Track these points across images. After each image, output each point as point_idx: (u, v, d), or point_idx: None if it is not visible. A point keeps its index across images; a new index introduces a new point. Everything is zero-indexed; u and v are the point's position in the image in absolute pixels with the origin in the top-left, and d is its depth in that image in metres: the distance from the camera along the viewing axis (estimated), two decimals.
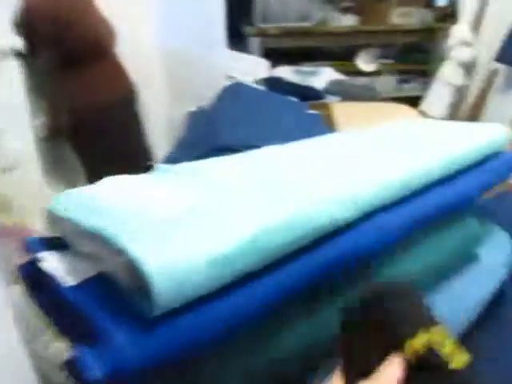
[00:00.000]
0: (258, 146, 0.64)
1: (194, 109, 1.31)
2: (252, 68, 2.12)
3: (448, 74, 1.99)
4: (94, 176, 0.47)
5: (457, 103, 2.11)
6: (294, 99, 1.27)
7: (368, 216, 0.40)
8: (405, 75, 3.06)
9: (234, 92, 1.16)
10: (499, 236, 0.60)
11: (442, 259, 0.48)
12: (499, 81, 1.74)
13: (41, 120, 1.21)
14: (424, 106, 2.20)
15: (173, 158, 0.95)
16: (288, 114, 1.08)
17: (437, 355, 0.27)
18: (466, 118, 2.00)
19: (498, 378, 0.45)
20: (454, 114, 2.12)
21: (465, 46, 1.90)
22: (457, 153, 0.51)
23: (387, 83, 2.97)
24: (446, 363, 0.26)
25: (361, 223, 0.39)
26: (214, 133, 0.93)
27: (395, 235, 0.42)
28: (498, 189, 0.81)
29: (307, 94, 1.90)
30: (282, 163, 0.50)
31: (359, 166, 0.45)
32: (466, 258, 0.52)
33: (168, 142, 1.50)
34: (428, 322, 0.29)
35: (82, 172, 1.37)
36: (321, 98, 1.88)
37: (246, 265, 0.31)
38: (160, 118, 1.83)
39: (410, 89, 2.99)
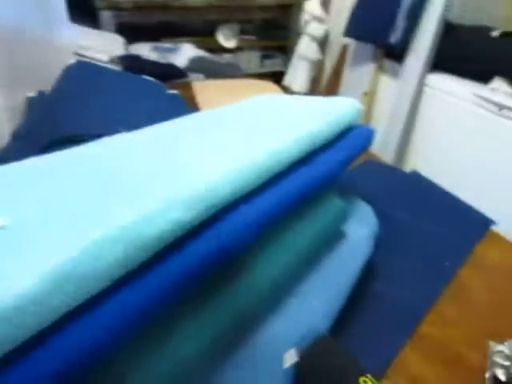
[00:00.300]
0: (106, 134, 0.55)
1: (32, 94, 1.12)
2: (105, 45, 1.94)
3: (304, 50, 2.06)
4: None
5: (316, 78, 2.20)
6: (149, 78, 1.16)
7: (224, 211, 0.35)
8: (267, 51, 3.13)
9: (78, 73, 1.01)
10: (362, 209, 0.60)
11: (312, 243, 0.45)
12: (350, 55, 1.84)
13: None
14: (286, 81, 2.25)
15: (6, 154, 0.80)
16: (142, 95, 0.97)
17: None
18: (325, 93, 2.10)
19: (366, 351, 0.44)
20: (314, 88, 2.21)
21: (317, 21, 1.97)
22: (313, 130, 0.49)
23: (250, 59, 2.99)
24: None
25: (215, 220, 0.34)
26: (54, 121, 0.79)
27: (256, 228, 0.37)
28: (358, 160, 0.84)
29: (169, 73, 1.81)
30: (122, 157, 0.41)
31: (209, 154, 0.40)
32: (334, 237, 0.51)
33: (8, 133, 1.32)
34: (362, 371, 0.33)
35: None
36: (183, 76, 1.81)
37: (64, 297, 0.23)
38: None
39: (272, 64, 3.05)
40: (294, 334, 0.39)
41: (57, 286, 0.22)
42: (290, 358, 0.38)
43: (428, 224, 0.65)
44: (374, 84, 1.72)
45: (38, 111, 0.95)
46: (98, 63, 1.54)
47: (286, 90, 2.30)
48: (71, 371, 0.23)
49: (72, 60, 1.27)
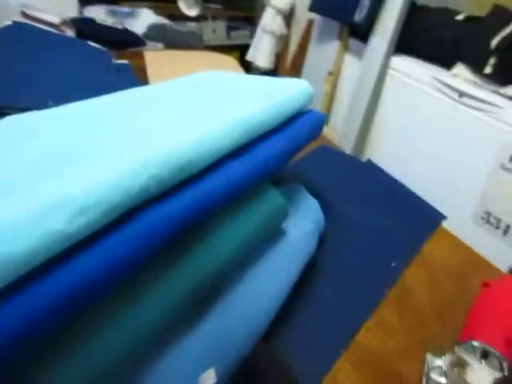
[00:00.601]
0: (36, 107, 0.48)
1: None
2: (57, 6, 1.78)
3: (268, 23, 1.97)
4: None
5: (281, 53, 2.13)
6: (96, 46, 1.07)
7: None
8: (233, 22, 3.00)
9: (13, 35, 0.91)
10: (308, 203, 0.56)
11: (246, 241, 0.41)
12: (315, 32, 1.77)
13: None
14: (249, 55, 2.17)
15: None
16: (84, 64, 0.88)
17: None
18: (290, 69, 2.03)
19: (302, 360, 0.41)
20: (278, 64, 2.14)
21: None
22: (256, 114, 0.44)
23: (215, 30, 2.87)
24: None
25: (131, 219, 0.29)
26: None
27: (181, 222, 0.32)
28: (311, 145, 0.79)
29: (125, 40, 1.69)
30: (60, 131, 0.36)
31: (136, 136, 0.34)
32: (273, 235, 0.47)
33: None
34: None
35: None
36: (141, 44, 1.71)
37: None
38: None
39: (239, 37, 2.93)
40: (217, 341, 0.35)
41: None
42: (209, 378, 0.34)
43: (378, 219, 0.62)
44: (339, 63, 1.67)
45: None
46: (42, 26, 1.41)
47: (249, 65, 2.21)
48: None
49: (15, 20, 1.15)
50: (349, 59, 1.66)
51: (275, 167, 0.45)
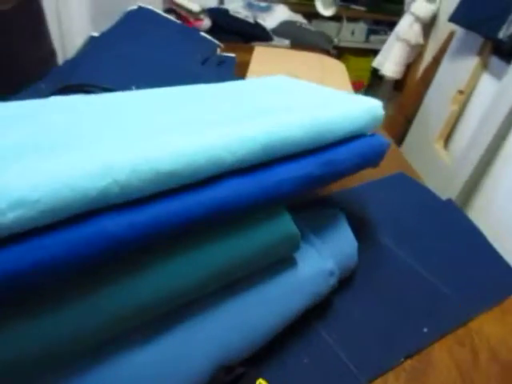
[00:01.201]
0: (117, 89, 0.52)
1: (96, 34, 1.12)
2: None
3: (404, 30, 1.83)
4: None
5: (412, 64, 1.97)
6: (207, 37, 1.10)
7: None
8: (375, 26, 2.87)
9: (133, 19, 0.98)
10: (341, 238, 0.50)
11: (239, 263, 0.37)
12: (453, 45, 1.60)
13: None
14: (376, 62, 2.05)
15: (37, 89, 0.81)
16: (185, 53, 0.92)
17: None
18: (418, 82, 1.87)
19: None
20: (406, 75, 1.99)
21: (427, 0, 1.73)
22: (280, 131, 0.40)
23: (354, 32, 2.78)
24: None
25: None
26: (79, 65, 0.78)
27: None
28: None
29: (253, 33, 1.74)
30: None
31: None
32: (278, 264, 0.42)
33: None
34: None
35: None
36: (268, 38, 1.74)
37: None
38: (77, 37, 1.63)
39: (377, 41, 2.80)
40: (166, 365, 0.33)
41: None
42: None
43: (430, 270, 0.52)
44: (473, 82, 1.48)
45: (82, 53, 0.94)
46: (162, 14, 1.51)
47: (375, 73, 2.09)
48: None
49: (141, 5, 1.25)
50: (485, 79, 1.47)
51: (293, 192, 0.40)
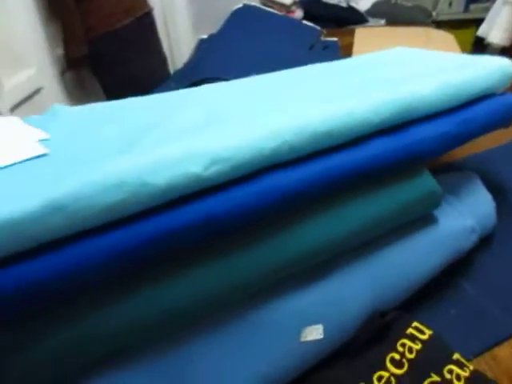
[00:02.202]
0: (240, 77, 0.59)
1: (205, 36, 1.22)
2: None
3: None
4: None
5: None
6: (310, 24, 1.14)
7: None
8: None
9: (240, 18, 1.06)
10: (478, 198, 0.50)
11: (385, 218, 0.41)
12: None
13: (60, 50, 1.22)
14: (481, 30, 1.91)
15: (168, 88, 0.91)
16: (293, 42, 0.97)
17: None
18: None
19: None
20: None
21: None
22: (417, 94, 0.42)
23: (451, 3, 2.62)
24: None
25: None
26: (201, 63, 0.86)
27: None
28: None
29: (347, 17, 1.73)
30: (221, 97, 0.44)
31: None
32: (420, 221, 0.45)
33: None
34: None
35: (104, 98, 1.39)
36: (363, 21, 1.72)
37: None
38: (184, 43, 1.77)
39: (477, 10, 2.61)
40: (324, 309, 0.38)
41: None
42: (315, 332, 0.37)
43: None
44: None
45: (199, 53, 1.04)
46: (273, 7, 1.56)
47: (480, 42, 1.96)
48: None
49: (246, 3, 1.32)
50: None
51: (433, 151, 0.43)
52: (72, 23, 1.17)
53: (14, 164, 0.34)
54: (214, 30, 1.26)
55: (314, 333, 0.37)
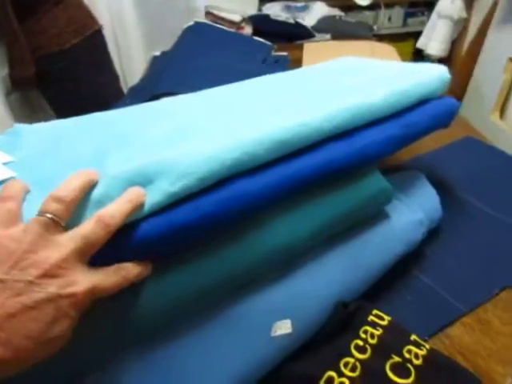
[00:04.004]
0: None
1: (157, 53, 1.23)
2: (239, 5, 1.99)
3: (446, 6, 1.83)
4: None
5: (457, 39, 1.96)
6: (260, 40, 1.18)
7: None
8: (412, 8, 2.85)
9: (192, 34, 1.08)
10: (425, 193, 0.55)
11: (338, 217, 0.44)
12: (499, 13, 1.58)
13: (6, 71, 1.19)
14: (420, 42, 2.05)
15: (124, 104, 0.92)
16: (245, 58, 1.00)
17: None
18: (465, 57, 1.86)
19: None
20: (453, 52, 1.98)
21: None
22: (366, 101, 0.46)
23: (391, 17, 2.78)
24: None
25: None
26: (156, 79, 0.88)
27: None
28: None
29: (295, 33, 1.80)
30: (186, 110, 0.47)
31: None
32: (373, 217, 0.48)
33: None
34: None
35: (54, 118, 1.36)
36: (310, 36, 1.79)
37: None
38: (135, 61, 1.77)
39: (415, 23, 2.78)
40: (292, 304, 0.40)
41: None
42: (283, 327, 0.39)
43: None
44: None
45: (154, 69, 1.05)
46: (223, 24, 1.60)
47: (419, 53, 2.09)
48: None
49: (197, 20, 1.35)
50: None
51: (381, 153, 0.46)
52: (17, 43, 1.15)
53: None
54: (165, 47, 1.28)
55: (283, 327, 0.39)
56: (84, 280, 0.29)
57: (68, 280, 0.28)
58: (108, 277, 0.31)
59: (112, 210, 0.30)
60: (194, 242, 0.35)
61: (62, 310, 0.27)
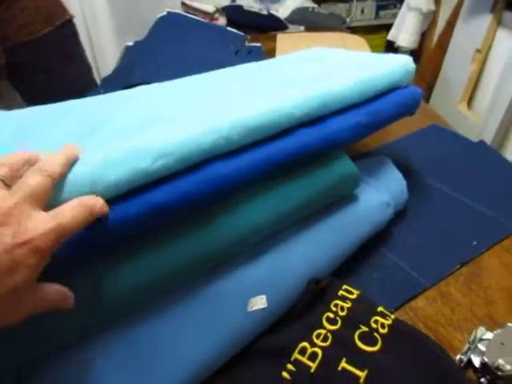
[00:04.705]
0: None
1: (131, 43, 1.23)
2: None
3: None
4: None
5: (426, 31, 2.01)
6: (233, 30, 1.19)
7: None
8: (383, 1, 2.90)
9: (166, 24, 1.08)
10: (391, 176, 0.58)
11: (309, 199, 0.46)
12: (466, 5, 1.64)
13: None
14: (391, 35, 2.09)
15: (97, 94, 0.91)
16: (219, 48, 1.01)
17: None
18: (434, 48, 1.91)
19: None
20: (422, 43, 2.03)
21: None
22: (334, 89, 0.48)
23: (363, 10, 2.82)
24: None
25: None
26: (130, 69, 0.88)
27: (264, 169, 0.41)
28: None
29: (268, 24, 1.81)
30: (162, 97, 0.48)
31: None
32: (341, 200, 0.51)
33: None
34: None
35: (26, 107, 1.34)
36: (283, 27, 1.80)
37: None
38: (107, 51, 1.75)
39: (387, 16, 2.84)
40: (267, 281, 0.42)
41: None
42: (259, 302, 0.41)
43: (473, 201, 0.60)
44: (489, 39, 1.52)
45: (127, 59, 1.05)
46: (196, 15, 1.60)
47: (390, 45, 2.14)
48: None
49: (170, 10, 1.35)
50: (501, 35, 1.50)
51: (349, 138, 0.49)
52: None
53: None
54: (137, 37, 1.28)
55: (259, 303, 0.41)
56: (41, 223, 0.28)
57: (21, 227, 0.27)
58: (71, 211, 0.29)
59: (51, 161, 0.31)
60: (169, 221, 0.37)
61: (18, 258, 0.26)
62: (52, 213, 0.29)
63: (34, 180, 0.29)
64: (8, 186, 0.29)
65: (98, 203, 0.31)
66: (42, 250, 0.27)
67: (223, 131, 0.39)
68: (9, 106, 1.35)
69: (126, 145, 0.35)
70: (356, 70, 0.55)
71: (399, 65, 0.57)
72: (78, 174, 0.32)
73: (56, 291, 0.30)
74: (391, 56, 0.61)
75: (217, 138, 0.38)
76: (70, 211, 0.29)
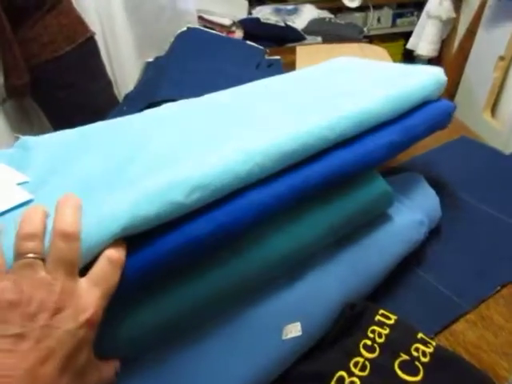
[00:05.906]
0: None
1: (151, 59, 1.24)
2: (229, 9, 2.00)
3: (435, 7, 1.85)
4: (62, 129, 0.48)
5: (446, 39, 1.98)
6: (253, 44, 1.19)
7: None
8: (401, 8, 2.88)
9: (187, 40, 1.09)
10: (424, 194, 0.56)
11: (341, 222, 0.45)
12: (488, 12, 1.61)
13: (1, 80, 1.19)
14: (410, 43, 2.07)
15: (120, 112, 0.92)
16: (239, 62, 1.01)
17: None
18: (455, 56, 1.88)
19: None
20: (442, 52, 2.00)
21: None
22: (366, 108, 0.47)
23: (380, 18, 2.80)
24: None
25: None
26: (152, 86, 0.88)
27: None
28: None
29: (285, 36, 1.81)
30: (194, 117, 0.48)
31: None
32: (375, 220, 0.49)
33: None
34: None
35: (49, 126, 1.36)
36: (301, 39, 1.80)
37: None
38: (127, 67, 1.77)
39: (404, 24, 2.81)
40: (301, 307, 0.41)
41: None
42: (294, 330, 0.40)
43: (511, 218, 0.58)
44: None
45: (148, 75, 1.06)
46: (214, 28, 1.61)
47: (409, 55, 2.12)
48: None
49: (190, 26, 1.36)
50: None
51: (384, 158, 0.48)
52: (11, 51, 1.15)
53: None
54: (157, 53, 1.29)
55: (294, 330, 0.40)
56: (90, 298, 0.28)
57: (77, 307, 0.27)
58: (106, 273, 0.29)
59: (67, 220, 0.30)
60: (207, 252, 0.36)
61: (82, 338, 0.27)
62: (91, 280, 0.29)
63: (67, 252, 0.28)
64: (44, 260, 0.28)
65: (122, 253, 0.31)
66: (96, 322, 0.28)
67: (258, 158, 0.38)
68: (33, 121, 1.38)
69: (161, 177, 0.34)
70: (386, 82, 0.54)
71: (431, 77, 0.56)
72: (116, 210, 0.32)
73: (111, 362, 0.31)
74: (421, 67, 0.59)
75: (252, 166, 0.37)
76: (105, 273, 0.29)
